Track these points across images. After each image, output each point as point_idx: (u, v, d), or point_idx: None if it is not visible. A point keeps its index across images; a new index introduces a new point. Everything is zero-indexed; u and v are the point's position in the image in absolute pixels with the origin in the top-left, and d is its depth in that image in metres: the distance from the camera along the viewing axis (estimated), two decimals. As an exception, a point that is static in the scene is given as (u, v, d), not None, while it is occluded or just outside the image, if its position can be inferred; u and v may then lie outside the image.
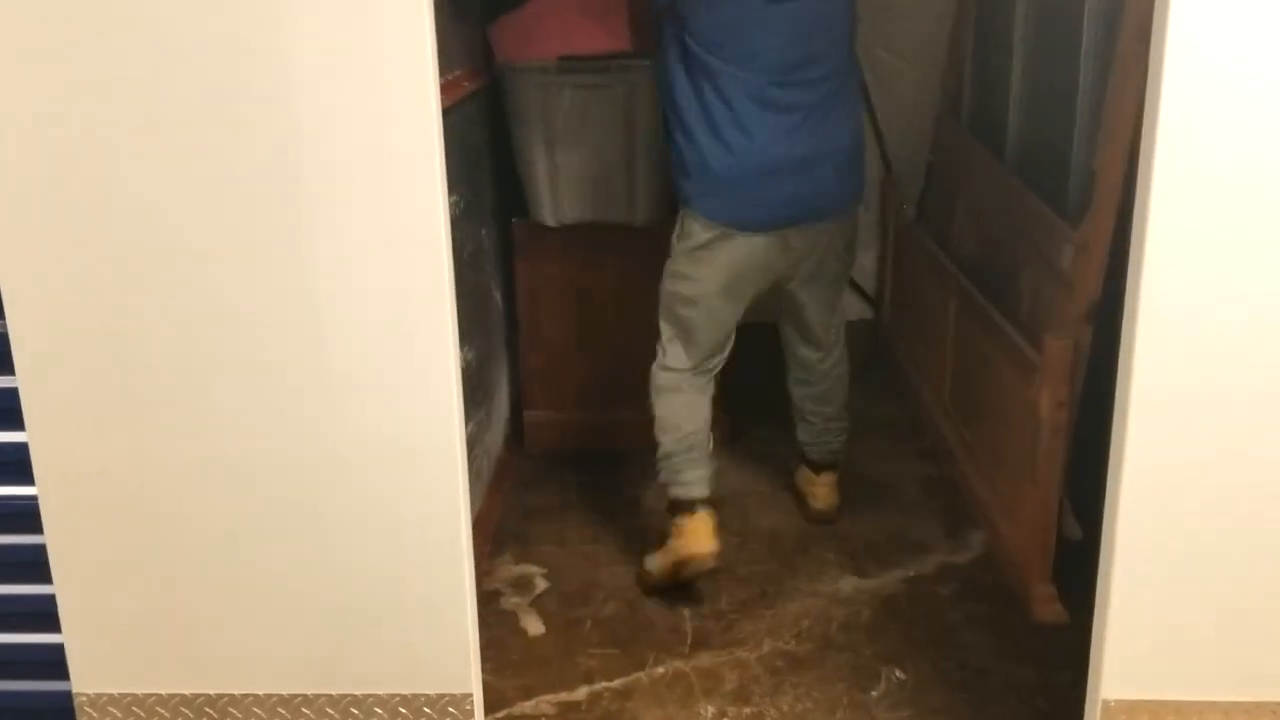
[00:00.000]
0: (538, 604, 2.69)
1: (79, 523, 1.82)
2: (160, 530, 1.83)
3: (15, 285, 1.73)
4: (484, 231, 3.14)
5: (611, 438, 3.41)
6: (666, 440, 2.71)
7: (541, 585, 2.77)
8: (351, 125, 1.66)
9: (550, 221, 3.14)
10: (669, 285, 2.68)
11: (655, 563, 2.72)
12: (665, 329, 2.72)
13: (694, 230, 2.59)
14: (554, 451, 3.42)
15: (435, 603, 1.86)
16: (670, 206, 3.13)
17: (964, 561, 2.83)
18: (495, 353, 3.30)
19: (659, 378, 2.73)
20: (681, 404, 2.72)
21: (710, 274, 2.61)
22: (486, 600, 2.64)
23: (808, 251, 2.68)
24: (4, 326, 1.75)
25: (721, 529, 2.97)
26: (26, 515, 1.85)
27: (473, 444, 2.73)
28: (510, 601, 2.71)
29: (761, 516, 3.07)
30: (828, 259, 2.75)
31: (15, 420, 1.78)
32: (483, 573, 2.75)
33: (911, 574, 2.78)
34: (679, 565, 2.65)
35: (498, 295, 3.33)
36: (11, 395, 1.77)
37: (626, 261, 3.26)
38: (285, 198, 1.69)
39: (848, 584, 2.75)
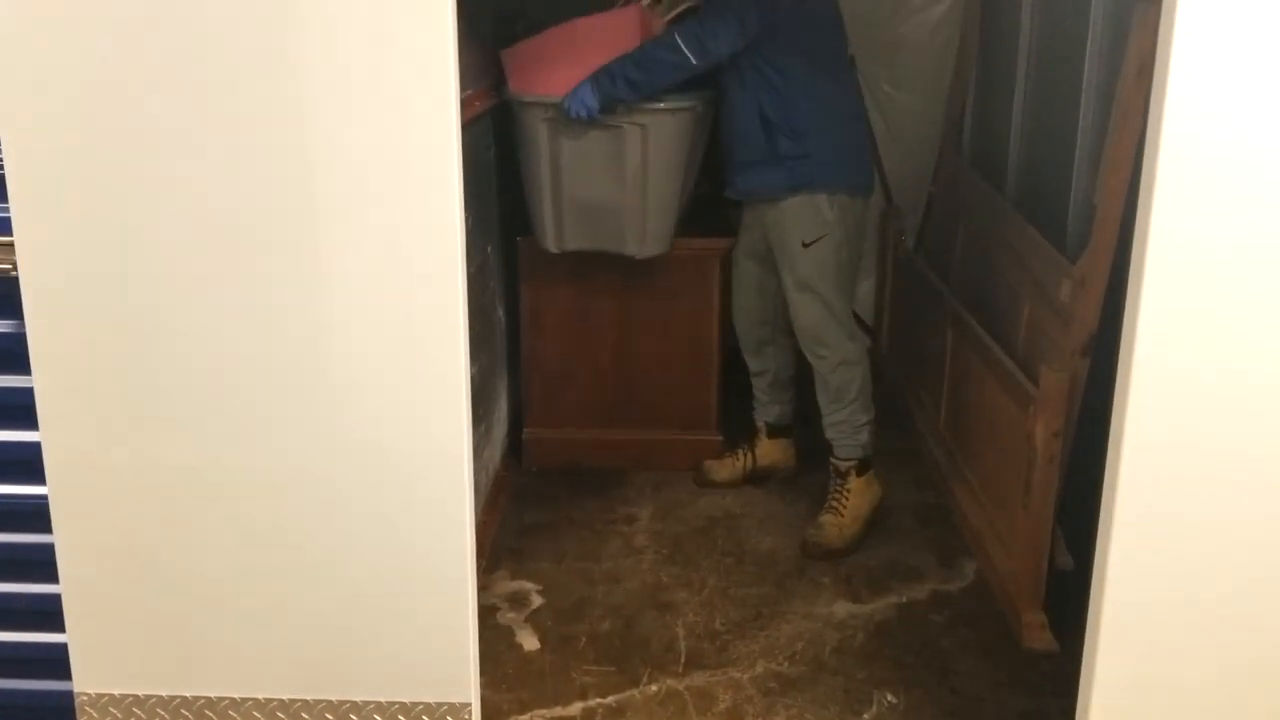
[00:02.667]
0: (533, 619, 2.71)
1: (87, 524, 1.84)
2: (167, 533, 1.85)
3: (36, 290, 1.75)
4: (489, 248, 3.18)
5: (609, 456, 3.44)
6: (871, 409, 3.08)
7: (537, 601, 2.79)
8: (372, 138, 1.70)
9: (553, 249, 3.15)
10: (848, 260, 2.98)
11: (860, 510, 3.06)
12: (844, 305, 3.02)
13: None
14: (551, 469, 3.44)
15: (437, 612, 1.88)
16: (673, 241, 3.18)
17: (957, 589, 2.85)
18: (496, 369, 3.33)
19: (861, 353, 3.05)
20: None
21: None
22: (482, 615, 2.64)
23: None
24: (21, 329, 1.77)
25: (716, 550, 3.02)
26: (34, 515, 1.87)
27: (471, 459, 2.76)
28: (506, 617, 2.73)
29: (758, 539, 3.09)
30: None
31: (29, 420, 1.80)
32: (479, 587, 2.76)
33: (905, 600, 2.80)
34: (877, 507, 3.11)
35: (500, 312, 3.36)
36: (27, 394, 1.79)
37: (629, 282, 3.29)
38: (303, 207, 1.72)
39: (841, 608, 2.77)
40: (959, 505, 3.12)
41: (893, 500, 3.23)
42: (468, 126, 2.79)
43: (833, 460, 3.10)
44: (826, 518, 3.05)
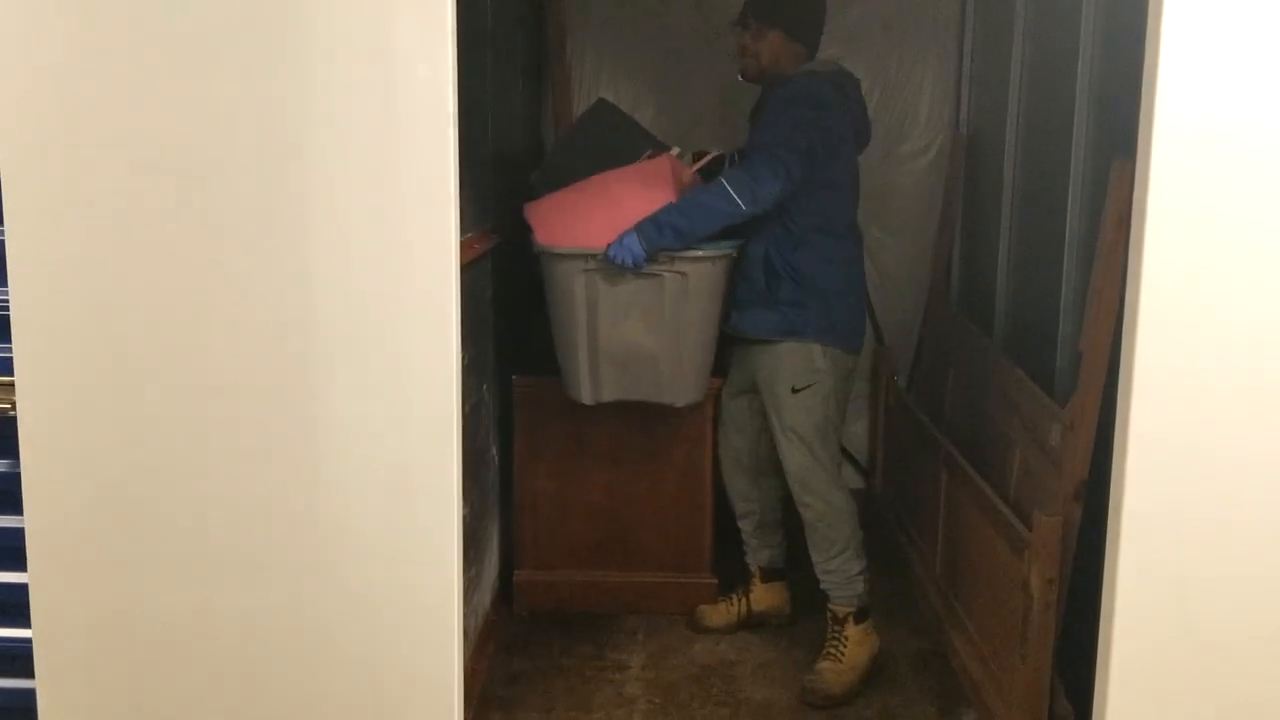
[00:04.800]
0: (522, 771, 2.64)
1: (70, 670, 1.80)
2: (153, 679, 1.81)
3: (33, 430, 1.76)
4: (485, 387, 3.21)
5: (602, 600, 3.40)
6: (863, 558, 3.07)
7: (526, 753, 2.72)
8: (371, 281, 1.73)
9: (588, 401, 3.08)
10: (835, 411, 3.03)
11: (858, 659, 3.02)
12: (830, 454, 3.04)
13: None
14: (543, 612, 3.39)
15: (423, 764, 1.83)
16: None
17: (956, 741, 2.79)
18: (489, 509, 3.31)
19: (849, 502, 3.05)
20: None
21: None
22: (469, 765, 2.58)
23: None
24: (18, 468, 1.77)
25: (711, 700, 2.96)
26: (18, 659, 1.84)
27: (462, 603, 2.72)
28: (494, 769, 2.65)
29: (754, 688, 3.02)
30: None
31: (18, 561, 1.79)
32: (467, 736, 2.70)
33: (904, 752, 2.74)
34: (874, 658, 3.06)
35: (494, 451, 3.37)
36: (17, 535, 1.78)
37: (623, 422, 3.30)
38: (300, 350, 1.75)
39: (839, 760, 2.70)
40: (957, 653, 3.07)
41: (890, 647, 3.18)
42: (466, 268, 2.85)
43: (830, 607, 3.07)
44: (825, 664, 2.99)
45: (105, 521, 1.78)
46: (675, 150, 3.11)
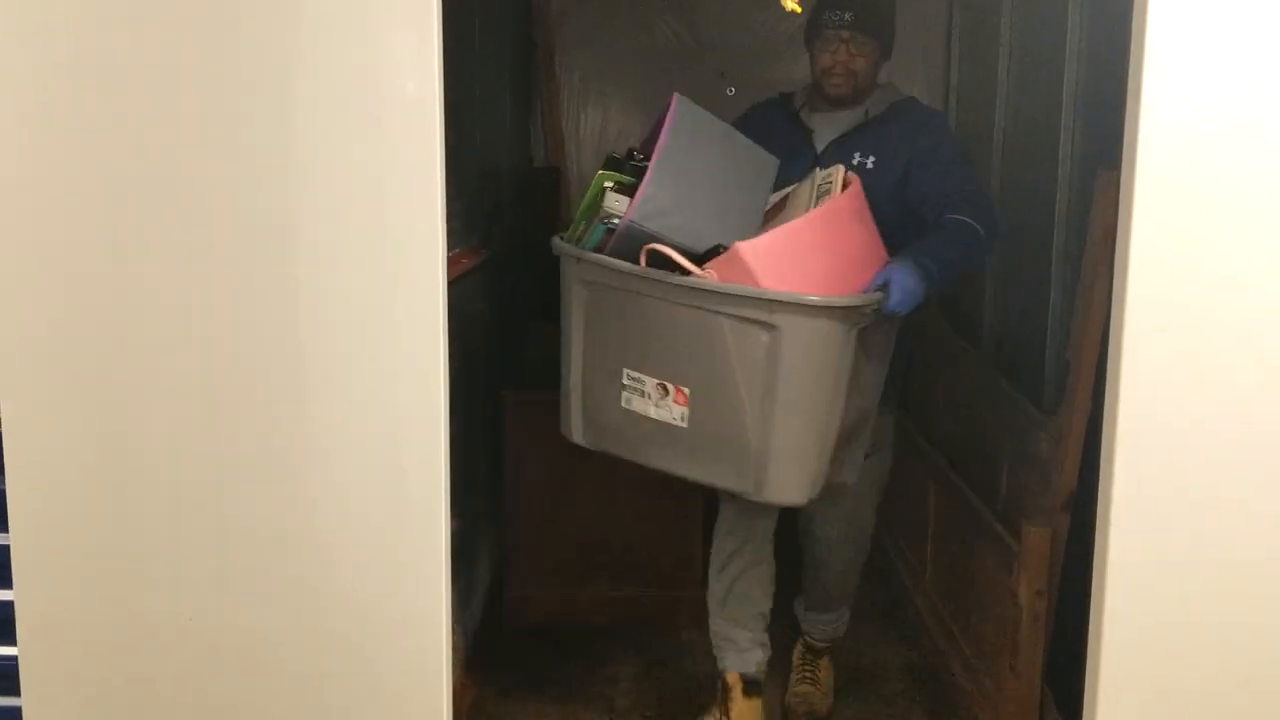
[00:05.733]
0: (512, 789, 2.63)
1: (58, 686, 1.79)
2: (140, 697, 1.80)
3: (16, 443, 1.76)
4: (475, 402, 3.20)
5: (594, 615, 3.39)
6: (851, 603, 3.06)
7: (517, 770, 2.71)
8: (359, 297, 1.73)
9: (802, 501, 2.31)
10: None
11: (832, 684, 3.04)
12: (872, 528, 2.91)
13: None
14: (535, 627, 3.38)
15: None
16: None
17: (947, 753, 2.79)
18: (478, 525, 3.30)
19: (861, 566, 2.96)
20: None
21: None
22: (460, 781, 2.57)
23: None
24: (1, 484, 1.77)
25: (700, 712, 2.95)
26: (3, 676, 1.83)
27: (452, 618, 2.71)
28: (484, 786, 2.64)
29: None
30: None
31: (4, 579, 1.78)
32: (457, 752, 2.68)
33: (895, 765, 2.73)
34: None
35: (484, 466, 3.36)
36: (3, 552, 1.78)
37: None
38: (289, 364, 1.74)
39: (830, 774, 2.69)
40: (947, 665, 3.07)
41: (880, 659, 3.17)
42: (455, 283, 2.85)
43: (809, 640, 3.05)
44: (804, 688, 2.98)
45: (92, 538, 1.77)
46: (841, 169, 2.40)
